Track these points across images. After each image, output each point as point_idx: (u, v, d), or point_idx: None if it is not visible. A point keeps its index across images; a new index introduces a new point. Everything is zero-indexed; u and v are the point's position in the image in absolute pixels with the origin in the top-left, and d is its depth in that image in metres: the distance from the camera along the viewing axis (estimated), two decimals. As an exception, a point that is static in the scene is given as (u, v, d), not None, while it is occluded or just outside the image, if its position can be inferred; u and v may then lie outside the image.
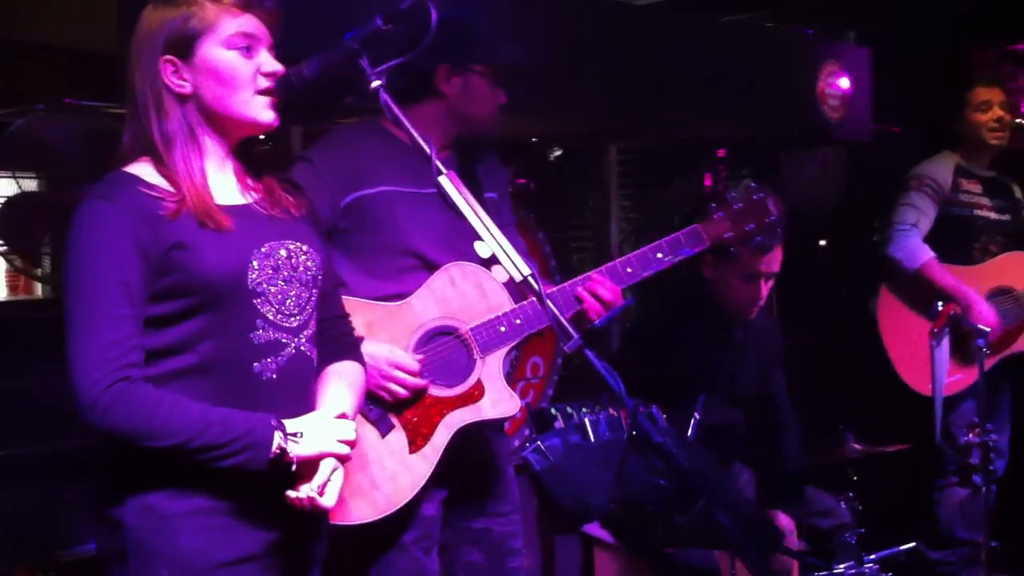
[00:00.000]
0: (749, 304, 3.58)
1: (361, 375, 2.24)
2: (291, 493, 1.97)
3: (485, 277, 2.74)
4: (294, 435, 1.96)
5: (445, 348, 2.72)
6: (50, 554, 3.34)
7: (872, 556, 3.95)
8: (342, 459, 2.03)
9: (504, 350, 2.74)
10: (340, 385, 2.16)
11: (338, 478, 2.02)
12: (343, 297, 2.64)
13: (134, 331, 1.91)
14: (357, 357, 2.26)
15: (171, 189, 1.97)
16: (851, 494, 3.92)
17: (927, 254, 4.25)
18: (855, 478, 3.93)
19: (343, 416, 2.07)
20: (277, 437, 1.94)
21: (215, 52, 2.01)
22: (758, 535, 3.34)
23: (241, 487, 1.97)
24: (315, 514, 2.01)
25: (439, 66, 2.76)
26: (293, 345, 2.05)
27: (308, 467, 1.98)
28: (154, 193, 1.95)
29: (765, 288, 3.55)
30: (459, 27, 2.68)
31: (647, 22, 4.64)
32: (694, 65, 4.57)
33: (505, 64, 2.82)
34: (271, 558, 2.03)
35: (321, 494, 1.97)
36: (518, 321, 2.72)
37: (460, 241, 2.78)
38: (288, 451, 1.95)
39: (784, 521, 3.63)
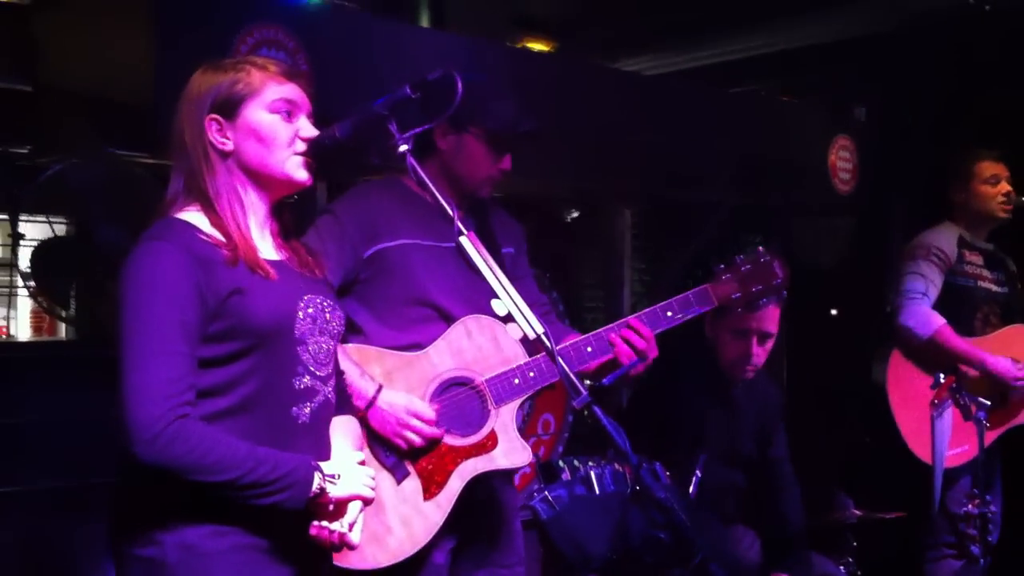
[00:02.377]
0: (740, 361, 3.62)
1: (359, 428, 2.36)
2: (324, 526, 2.08)
3: (500, 330, 2.80)
4: (332, 477, 2.07)
5: (460, 398, 2.79)
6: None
7: (870, 620, 3.97)
8: (367, 502, 2.15)
9: (518, 402, 2.80)
10: (350, 437, 2.27)
11: (361, 518, 2.14)
12: (361, 346, 2.76)
13: (191, 369, 1.98)
14: (353, 411, 2.38)
15: (223, 238, 2.08)
16: (850, 559, 3.96)
17: (939, 321, 4.29)
18: (854, 543, 3.97)
19: (363, 463, 2.19)
20: (317, 478, 2.05)
21: (258, 115, 2.14)
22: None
23: (270, 527, 2.06)
24: (337, 549, 2.11)
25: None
26: (323, 393, 2.17)
27: (336, 508, 2.10)
28: (210, 240, 2.06)
29: (759, 348, 3.59)
30: (448, 90, 2.72)
31: (664, 91, 4.77)
32: (709, 133, 4.70)
33: (500, 131, 2.86)
34: None
35: (350, 530, 2.10)
36: (532, 374, 2.78)
37: (475, 293, 2.85)
38: (327, 491, 2.06)
39: (790, 584, 3.66)
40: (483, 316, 2.81)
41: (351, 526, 2.11)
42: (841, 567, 3.96)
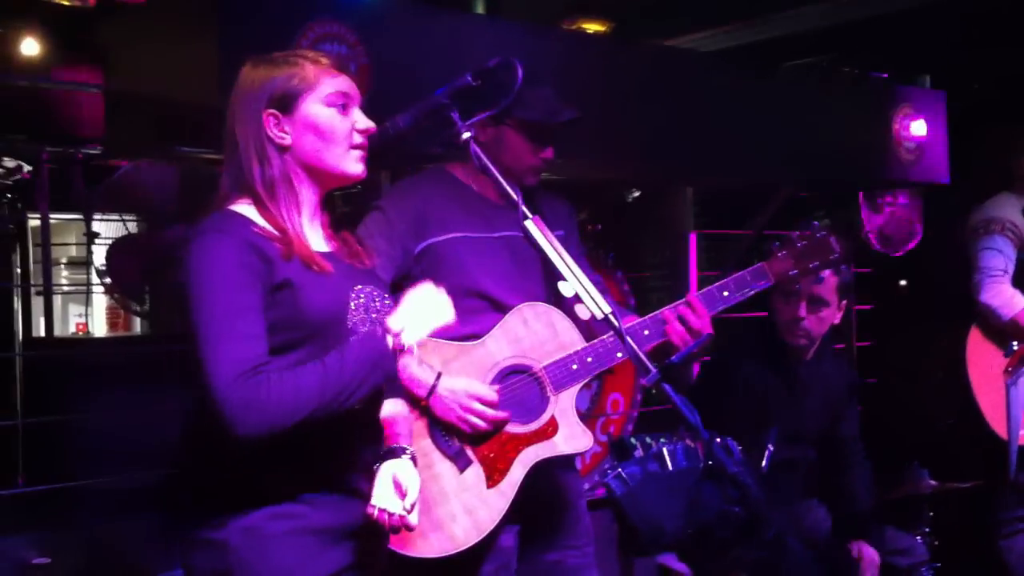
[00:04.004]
0: (791, 325, 3.60)
1: (406, 407, 2.39)
2: (384, 508, 2.13)
3: (557, 317, 2.82)
4: (396, 329, 2.09)
5: (519, 386, 2.80)
6: (150, 577, 3.48)
7: (948, 592, 3.95)
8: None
9: (576, 387, 2.80)
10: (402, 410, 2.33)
11: (418, 502, 2.18)
12: None
13: (261, 344, 2.02)
14: (401, 395, 2.41)
15: (275, 232, 2.11)
16: (926, 530, 3.94)
17: (1021, 302, 4.25)
18: (931, 514, 3.94)
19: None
20: (388, 340, 2.09)
21: (315, 109, 2.16)
22: (831, 568, 3.39)
23: (329, 510, 2.11)
24: (396, 531, 2.16)
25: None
26: None
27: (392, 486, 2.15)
28: (263, 234, 2.09)
29: (809, 314, 3.57)
30: (508, 77, 2.74)
31: (722, 68, 4.75)
32: (769, 110, 4.67)
33: (536, 121, 2.86)
34: (351, 574, 2.16)
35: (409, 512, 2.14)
36: (589, 359, 2.79)
37: (527, 281, 2.88)
38: (399, 340, 2.10)
39: (869, 552, 3.64)
40: (539, 303, 2.83)
41: (411, 507, 2.14)
42: (917, 538, 3.94)
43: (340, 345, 2.09)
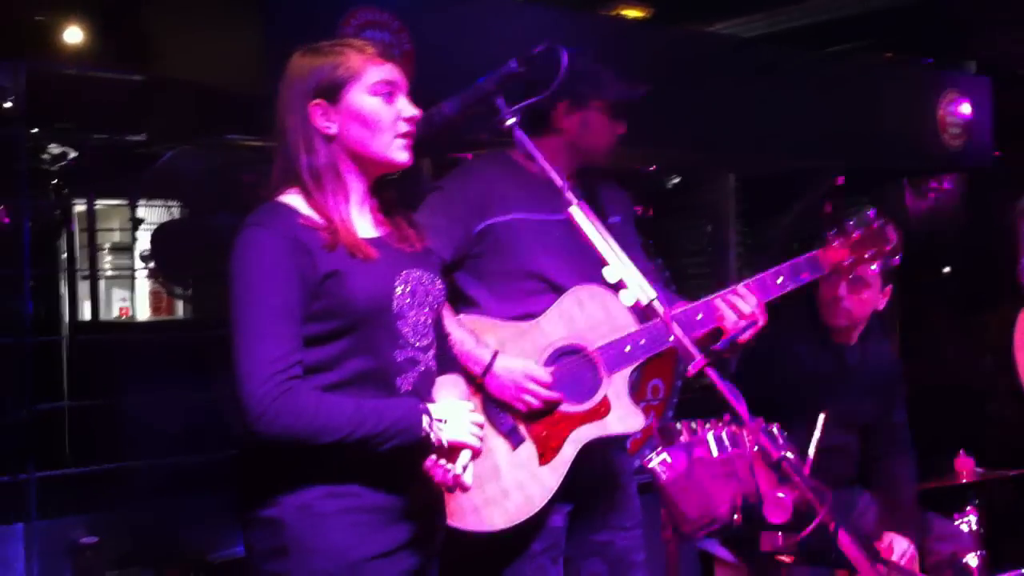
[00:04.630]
0: (831, 304, 3.57)
1: (464, 384, 2.41)
2: (441, 464, 2.14)
3: (611, 299, 2.80)
4: (440, 421, 2.13)
5: (573, 366, 2.81)
6: (197, 557, 3.52)
7: (993, 579, 3.92)
8: (475, 452, 2.20)
9: (629, 369, 2.81)
10: (456, 390, 2.33)
11: (472, 466, 2.19)
12: (475, 317, 2.82)
13: (295, 348, 2.05)
14: (458, 372, 2.44)
15: (322, 221, 2.13)
16: (973, 518, 3.91)
17: None
18: (977, 501, 3.91)
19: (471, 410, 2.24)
20: (425, 420, 2.12)
21: (361, 98, 2.17)
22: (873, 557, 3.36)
23: (384, 489, 2.13)
24: (450, 490, 2.18)
25: (558, 104, 2.86)
26: (423, 362, 2.22)
27: (449, 451, 2.16)
28: (309, 224, 2.11)
29: (850, 294, 3.54)
30: (576, 66, 2.76)
31: (764, 54, 4.72)
32: (811, 96, 4.64)
33: (620, 100, 2.90)
34: (407, 551, 2.18)
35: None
36: (643, 342, 2.80)
37: (585, 265, 2.86)
38: (435, 433, 2.12)
39: (904, 545, 3.63)
40: (594, 285, 2.81)
41: (464, 469, 2.16)
42: (963, 526, 3.91)
43: (388, 333, 2.13)
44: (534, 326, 2.82)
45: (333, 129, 2.16)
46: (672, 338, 2.73)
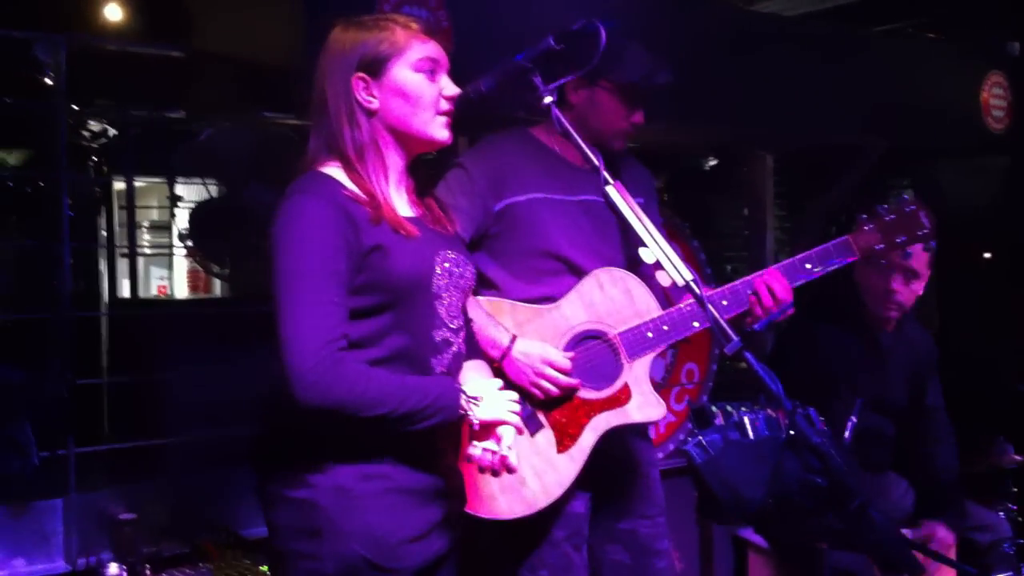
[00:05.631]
0: (883, 297, 3.54)
1: (488, 369, 2.42)
2: (488, 448, 2.16)
3: (633, 283, 2.78)
4: (475, 399, 2.15)
5: (593, 351, 2.77)
6: (233, 533, 3.54)
7: (1033, 568, 3.88)
8: (517, 429, 2.20)
9: (651, 355, 2.77)
10: (482, 372, 2.35)
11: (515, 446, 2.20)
12: (493, 299, 2.79)
13: (343, 318, 2.04)
14: (483, 358, 2.44)
15: (364, 196, 2.12)
16: (1010, 505, 3.87)
17: None
18: (1015, 489, 3.87)
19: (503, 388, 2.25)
20: (462, 399, 2.13)
21: (404, 74, 2.17)
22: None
23: (414, 469, 2.13)
24: (497, 473, 2.19)
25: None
26: (456, 344, 2.22)
27: (484, 429, 2.17)
28: (353, 196, 2.11)
29: (902, 286, 3.52)
30: (591, 40, 2.69)
31: (805, 33, 4.67)
32: (852, 75, 4.58)
33: (632, 84, 2.81)
34: (437, 533, 2.19)
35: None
36: (665, 327, 2.75)
37: (605, 246, 2.85)
38: (471, 412, 2.14)
39: (943, 533, 3.59)
40: (615, 269, 2.79)
41: (509, 449, 2.17)
42: (1001, 514, 3.87)
43: (426, 313, 2.13)
44: (554, 309, 2.78)
45: (375, 104, 2.16)
46: (696, 324, 2.74)
